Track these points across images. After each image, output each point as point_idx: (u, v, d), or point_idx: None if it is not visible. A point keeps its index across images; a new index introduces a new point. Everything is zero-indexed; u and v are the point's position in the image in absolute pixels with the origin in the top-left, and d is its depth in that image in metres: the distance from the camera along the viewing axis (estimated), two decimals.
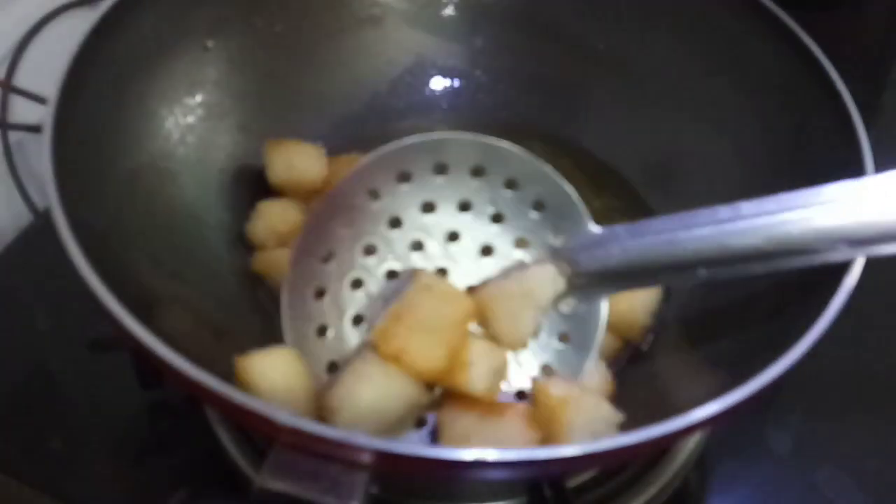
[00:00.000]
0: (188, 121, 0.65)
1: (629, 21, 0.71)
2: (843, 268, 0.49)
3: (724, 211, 0.51)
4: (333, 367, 0.53)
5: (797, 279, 0.53)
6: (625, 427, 0.50)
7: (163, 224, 0.60)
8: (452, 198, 0.56)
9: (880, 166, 0.54)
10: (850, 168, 0.54)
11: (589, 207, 0.58)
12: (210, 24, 0.66)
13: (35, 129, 0.82)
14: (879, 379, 0.69)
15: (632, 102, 0.72)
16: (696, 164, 0.68)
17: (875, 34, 0.86)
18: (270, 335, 0.61)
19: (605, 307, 0.56)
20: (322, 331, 0.53)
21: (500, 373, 0.52)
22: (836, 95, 0.58)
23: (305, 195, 0.67)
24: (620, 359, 0.60)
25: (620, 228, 0.54)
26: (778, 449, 0.64)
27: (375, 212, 0.54)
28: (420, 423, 0.53)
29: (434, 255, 0.56)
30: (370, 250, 0.55)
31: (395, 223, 0.55)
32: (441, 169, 0.55)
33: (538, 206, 0.56)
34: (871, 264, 0.49)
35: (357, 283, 0.55)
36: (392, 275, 0.55)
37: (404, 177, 0.55)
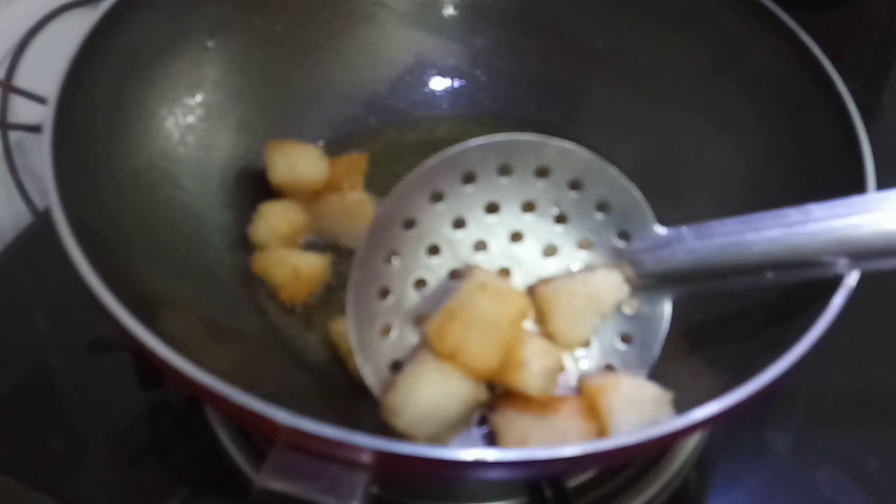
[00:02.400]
0: (188, 121, 0.65)
1: (629, 21, 0.71)
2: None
3: (793, 214, 0.50)
4: (397, 367, 0.53)
5: (797, 280, 0.53)
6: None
7: (163, 224, 0.60)
8: (516, 198, 0.55)
9: (880, 167, 0.54)
10: (850, 168, 0.54)
11: None
12: (210, 23, 0.66)
13: (35, 129, 0.82)
14: (879, 379, 0.69)
15: (632, 102, 0.72)
16: (697, 165, 0.68)
17: (875, 34, 0.86)
18: (270, 335, 0.62)
19: (668, 308, 0.55)
20: (386, 330, 0.53)
21: (555, 372, 0.51)
22: (837, 95, 0.58)
23: (307, 196, 0.67)
24: None
25: (686, 230, 0.54)
26: (778, 449, 0.64)
27: (439, 212, 0.54)
28: (482, 421, 0.53)
29: (497, 255, 0.56)
30: (434, 250, 0.54)
31: (459, 224, 0.55)
32: (505, 170, 0.54)
33: (602, 206, 0.56)
34: None
35: (421, 283, 0.54)
36: (455, 274, 0.55)
37: (469, 178, 0.54)
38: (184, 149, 0.65)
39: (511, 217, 0.56)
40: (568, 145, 0.55)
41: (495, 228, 0.56)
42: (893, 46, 0.88)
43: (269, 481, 0.42)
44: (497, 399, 0.52)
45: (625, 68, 0.72)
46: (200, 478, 0.62)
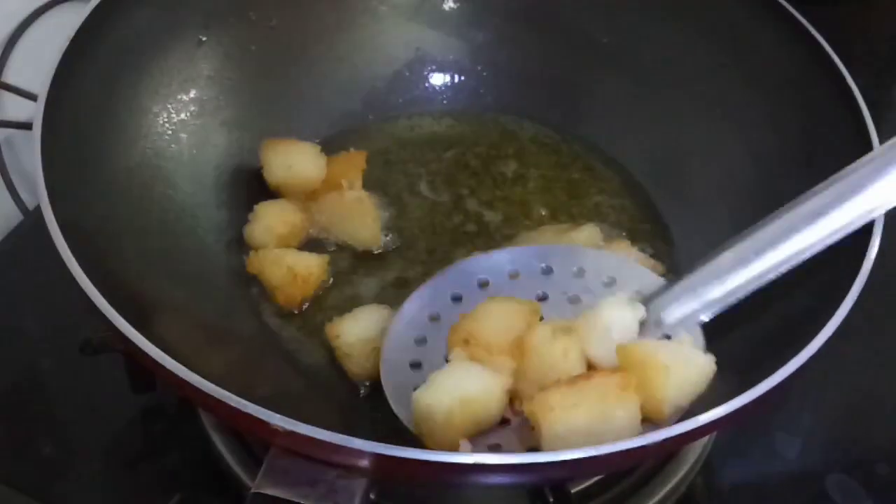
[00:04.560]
0: (181, 117, 0.65)
1: (634, 15, 0.71)
2: (851, 273, 0.49)
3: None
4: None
5: (806, 284, 0.52)
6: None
7: (156, 223, 0.60)
8: (529, 294, 0.58)
9: None
10: None
11: (591, 205, 0.58)
12: (204, 17, 0.66)
13: (25, 126, 0.82)
14: (888, 384, 0.69)
15: (636, 98, 0.71)
16: (703, 160, 0.67)
17: (885, 30, 0.86)
18: (266, 337, 0.61)
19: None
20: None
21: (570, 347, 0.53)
22: (846, 91, 0.57)
23: (304, 195, 0.66)
24: None
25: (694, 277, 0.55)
26: (786, 453, 0.64)
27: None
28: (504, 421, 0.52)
29: None
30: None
31: None
32: (514, 275, 0.59)
33: (610, 282, 0.59)
34: (881, 269, 0.49)
35: None
36: None
37: (483, 284, 0.59)
38: (177, 146, 0.64)
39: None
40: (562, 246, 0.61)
41: None
42: None
43: (266, 487, 0.41)
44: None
45: (630, 63, 0.71)
46: (194, 483, 0.61)
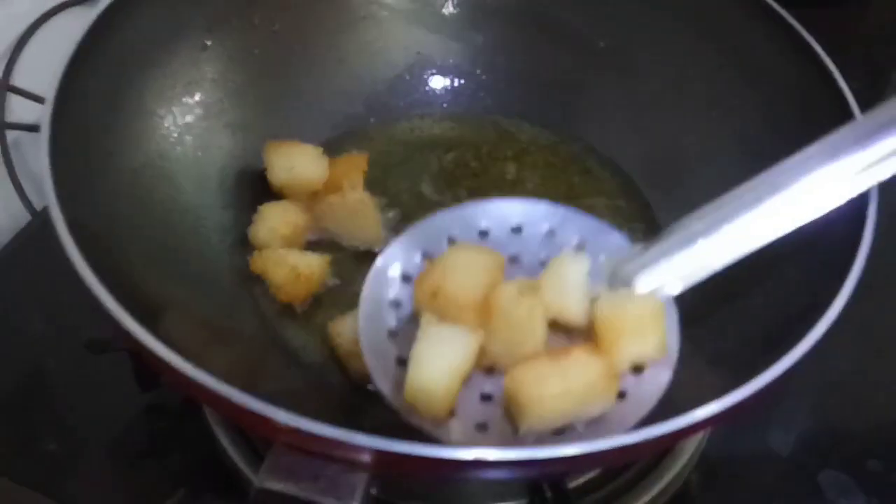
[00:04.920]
0: (186, 120, 0.65)
1: (631, 18, 0.71)
2: (845, 269, 0.49)
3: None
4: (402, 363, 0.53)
5: (800, 281, 0.53)
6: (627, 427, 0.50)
7: (161, 224, 0.60)
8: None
9: None
10: None
11: (589, 206, 0.58)
12: (208, 22, 0.66)
13: (32, 128, 0.82)
14: (881, 380, 0.69)
15: (634, 99, 0.72)
16: (698, 162, 0.68)
17: (878, 32, 0.86)
18: (269, 336, 0.61)
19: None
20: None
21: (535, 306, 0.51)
22: (840, 94, 0.58)
23: (307, 196, 0.67)
24: None
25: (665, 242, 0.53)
26: (780, 450, 0.64)
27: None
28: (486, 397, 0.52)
29: None
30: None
31: None
32: (484, 232, 0.58)
33: (581, 246, 0.57)
34: (874, 266, 0.49)
35: None
36: None
37: (452, 241, 0.57)
38: (182, 148, 0.64)
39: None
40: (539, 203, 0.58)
41: None
42: None
43: (269, 482, 0.42)
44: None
45: (626, 66, 0.72)
46: (199, 479, 0.62)
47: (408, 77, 0.76)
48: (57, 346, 0.69)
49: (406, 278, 0.56)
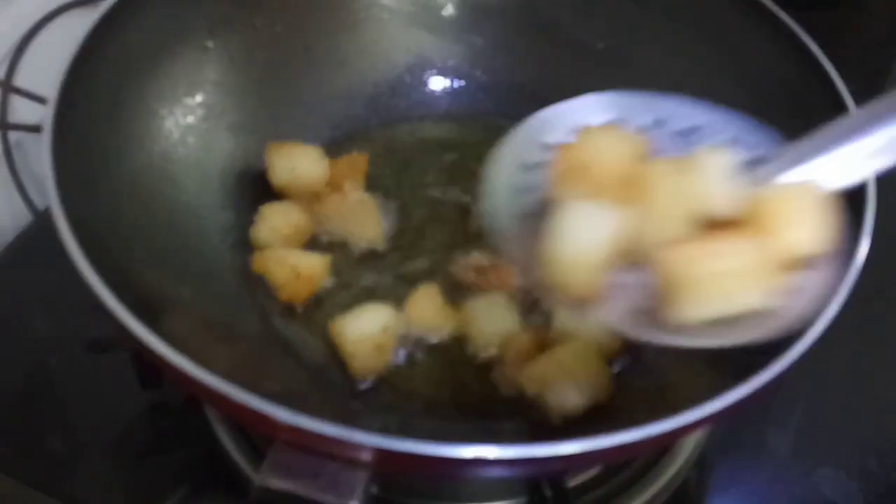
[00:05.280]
0: (188, 121, 0.65)
1: (629, 20, 0.71)
2: (843, 268, 0.49)
3: None
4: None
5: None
6: (626, 425, 0.50)
7: (163, 224, 0.60)
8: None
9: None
10: None
11: None
12: (210, 23, 0.67)
13: (35, 129, 0.82)
14: (878, 379, 0.69)
15: None
16: None
17: (875, 34, 0.86)
18: (270, 335, 0.62)
19: None
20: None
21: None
22: (837, 95, 0.58)
23: (308, 197, 0.67)
24: (621, 358, 0.60)
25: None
26: (778, 448, 0.64)
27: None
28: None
29: None
30: None
31: None
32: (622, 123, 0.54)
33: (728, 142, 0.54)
34: (871, 265, 0.49)
35: None
36: None
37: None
38: (184, 149, 0.65)
39: None
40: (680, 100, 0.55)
41: None
42: (893, 46, 0.88)
43: (269, 480, 0.42)
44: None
45: (624, 68, 0.72)
46: (200, 477, 0.62)
47: (408, 79, 0.76)
48: (59, 346, 0.70)
49: (531, 167, 0.52)
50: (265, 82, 0.70)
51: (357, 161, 0.69)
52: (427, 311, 0.61)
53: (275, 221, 0.65)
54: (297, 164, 0.66)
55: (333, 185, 0.67)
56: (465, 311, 0.61)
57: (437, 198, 0.71)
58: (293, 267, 0.62)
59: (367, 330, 0.58)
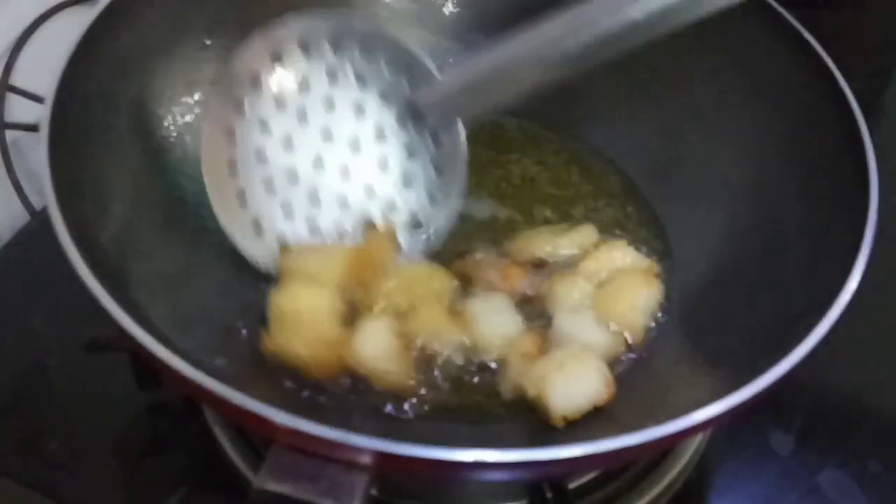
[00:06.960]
0: (186, 120, 0.65)
1: None
2: (847, 271, 0.49)
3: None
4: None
5: (800, 282, 0.53)
6: (627, 428, 0.50)
7: (160, 224, 0.60)
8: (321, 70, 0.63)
9: (883, 165, 0.54)
10: (853, 168, 0.54)
11: (590, 207, 0.57)
12: (208, 21, 0.66)
13: (32, 128, 0.82)
14: (881, 381, 0.69)
15: (635, 101, 0.72)
16: (700, 162, 0.68)
17: (878, 33, 0.86)
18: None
19: (462, 129, 0.65)
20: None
21: None
22: (840, 95, 0.58)
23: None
24: (622, 360, 0.60)
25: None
26: (780, 450, 0.64)
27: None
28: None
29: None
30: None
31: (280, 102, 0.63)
32: (305, 47, 0.63)
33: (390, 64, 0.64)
34: (876, 267, 0.49)
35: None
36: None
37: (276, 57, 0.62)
38: (181, 148, 0.64)
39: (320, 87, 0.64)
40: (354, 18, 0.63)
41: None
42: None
43: (268, 483, 0.42)
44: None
45: (627, 68, 0.71)
46: (198, 479, 0.62)
47: None
48: (57, 346, 0.69)
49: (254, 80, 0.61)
50: None
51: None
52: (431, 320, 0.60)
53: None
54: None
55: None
56: (466, 314, 0.61)
57: None
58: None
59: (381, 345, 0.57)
